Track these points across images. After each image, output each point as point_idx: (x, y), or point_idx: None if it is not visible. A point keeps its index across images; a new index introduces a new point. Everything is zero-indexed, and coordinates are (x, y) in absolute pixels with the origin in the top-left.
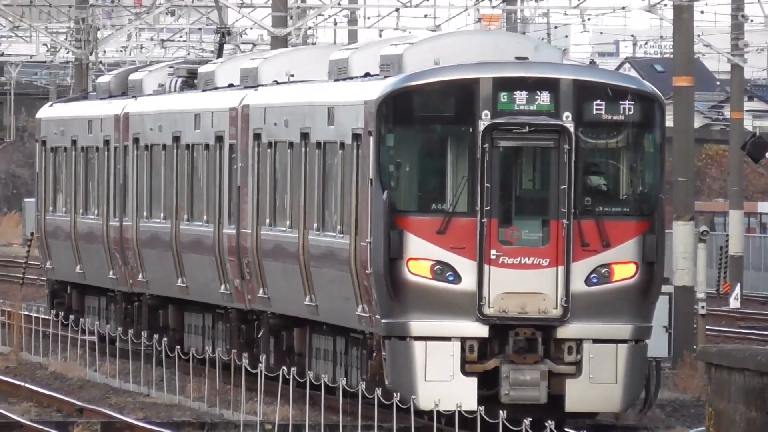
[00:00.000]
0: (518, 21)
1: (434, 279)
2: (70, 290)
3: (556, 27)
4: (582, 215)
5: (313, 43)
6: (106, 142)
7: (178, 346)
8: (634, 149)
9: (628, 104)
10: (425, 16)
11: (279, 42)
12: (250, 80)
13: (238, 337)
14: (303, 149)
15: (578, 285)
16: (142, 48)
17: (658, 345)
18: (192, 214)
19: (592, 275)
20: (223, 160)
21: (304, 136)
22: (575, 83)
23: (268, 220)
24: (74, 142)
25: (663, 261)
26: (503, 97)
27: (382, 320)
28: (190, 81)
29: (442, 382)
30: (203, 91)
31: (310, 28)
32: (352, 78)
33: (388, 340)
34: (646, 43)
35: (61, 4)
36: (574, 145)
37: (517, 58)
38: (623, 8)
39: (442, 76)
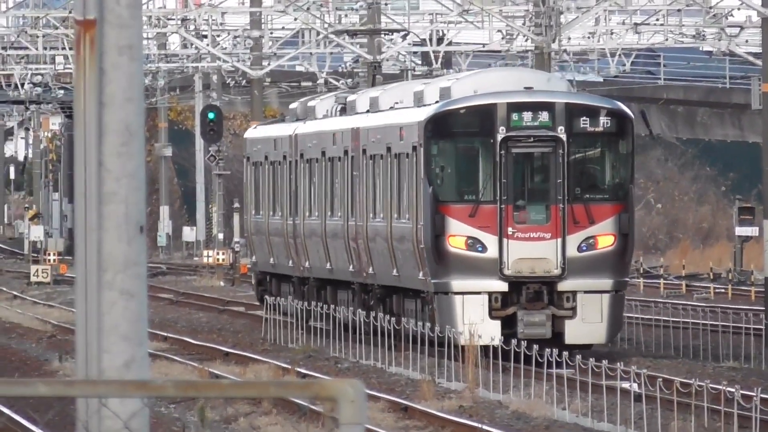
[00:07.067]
0: None
1: (468, 250)
2: (269, 279)
3: None
4: (574, 201)
5: None
6: (284, 157)
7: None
8: (610, 152)
9: (606, 119)
10: None
11: None
12: (374, 107)
13: (363, 305)
14: (388, 159)
15: (572, 251)
16: (612, 34)
17: None
18: (332, 211)
19: (582, 244)
20: (346, 169)
21: (388, 149)
22: (567, 105)
23: (371, 214)
24: (266, 157)
25: (634, 233)
26: (514, 116)
27: (432, 281)
28: (346, 107)
29: (475, 324)
30: (348, 115)
31: None
32: (426, 104)
33: (437, 295)
34: None
35: None
36: (566, 150)
37: (525, 87)
38: None
39: (470, 102)
